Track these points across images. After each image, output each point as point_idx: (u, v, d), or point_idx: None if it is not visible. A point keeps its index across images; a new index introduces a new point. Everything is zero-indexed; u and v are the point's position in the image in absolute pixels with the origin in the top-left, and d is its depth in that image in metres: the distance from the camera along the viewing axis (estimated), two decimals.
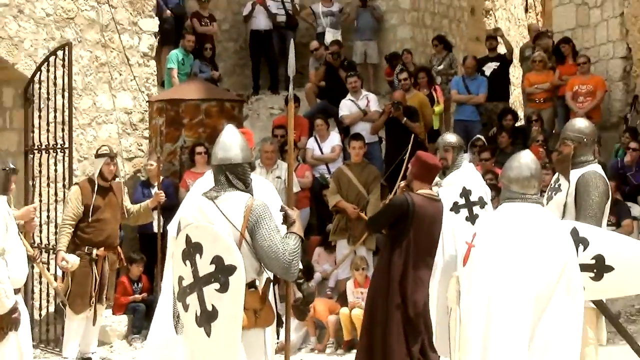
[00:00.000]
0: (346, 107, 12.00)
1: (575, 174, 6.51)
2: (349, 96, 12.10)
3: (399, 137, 10.83)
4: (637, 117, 11.95)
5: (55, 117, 9.44)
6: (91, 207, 8.43)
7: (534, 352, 4.79)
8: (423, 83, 12.42)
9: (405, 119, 11.20)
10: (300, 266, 6.32)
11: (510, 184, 5.07)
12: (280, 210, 4.96)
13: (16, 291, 5.83)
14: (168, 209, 8.79)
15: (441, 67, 13.70)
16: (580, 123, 6.80)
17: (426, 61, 14.34)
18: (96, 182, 8.50)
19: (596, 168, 6.59)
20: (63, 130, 9.40)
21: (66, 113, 9.38)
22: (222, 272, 4.61)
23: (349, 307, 9.21)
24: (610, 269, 5.96)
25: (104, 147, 8.80)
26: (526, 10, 19.88)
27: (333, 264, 10.37)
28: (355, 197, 10.07)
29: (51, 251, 9.04)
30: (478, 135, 11.66)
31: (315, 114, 12.31)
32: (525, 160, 5.13)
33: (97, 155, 8.71)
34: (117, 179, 8.68)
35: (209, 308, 4.64)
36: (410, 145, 8.25)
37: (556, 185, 6.69)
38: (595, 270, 5.96)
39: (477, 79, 12.43)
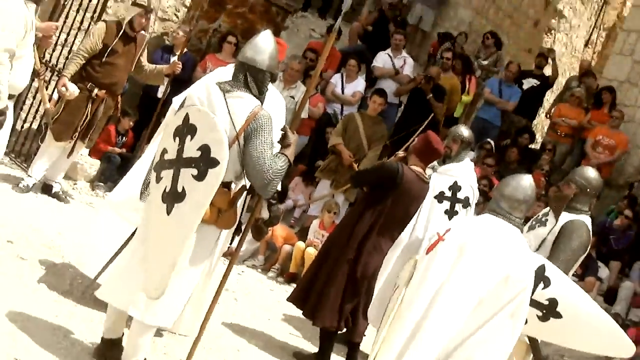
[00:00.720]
0: (381, 60, 11.98)
1: (565, 216, 6.59)
2: (388, 50, 12.06)
3: (419, 109, 10.84)
4: None
5: None
6: (109, 48, 8.41)
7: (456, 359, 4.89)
8: (459, 69, 12.37)
9: (430, 95, 11.18)
10: (279, 188, 6.40)
11: (501, 199, 5.13)
12: (281, 129, 5.00)
13: (10, 97, 5.87)
14: (179, 81, 8.81)
15: (486, 62, 13.64)
16: (591, 173, 6.86)
17: (473, 50, 14.25)
18: (123, 27, 8.47)
19: (587, 220, 6.68)
20: None
21: None
22: (205, 162, 4.68)
23: (305, 243, 9.31)
24: (558, 315, 6.08)
25: (150, 2, 8.76)
26: (586, 45, 19.72)
27: (307, 197, 10.44)
28: (356, 146, 10.11)
29: (56, 73, 9.04)
30: (489, 139, 11.67)
31: (351, 53, 12.27)
32: (524, 183, 5.18)
33: (134, 4, 8.67)
34: (143, 32, 8.62)
35: (179, 189, 4.72)
36: (426, 122, 8.26)
37: (543, 219, 6.76)
38: (544, 311, 6.07)
39: (512, 88, 12.41)
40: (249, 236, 9.31)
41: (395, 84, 11.82)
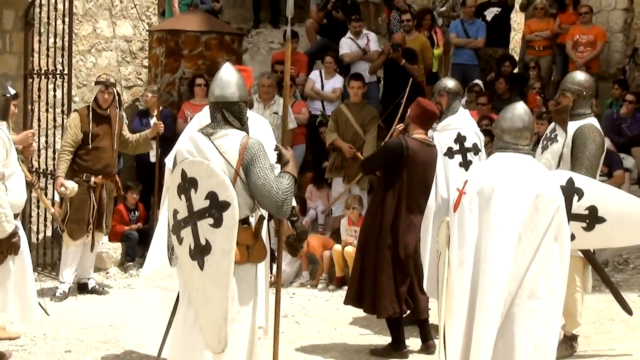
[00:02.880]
0: (346, 46, 12.00)
1: (572, 125, 6.63)
2: (349, 34, 12.08)
3: (397, 78, 10.86)
4: (635, 69, 11.97)
5: (55, 42, 9.43)
6: (90, 134, 8.48)
7: (521, 299, 4.91)
8: (426, 25, 12.37)
9: (403, 61, 11.20)
10: (295, 203, 6.44)
11: (502, 134, 5.15)
12: (275, 150, 5.04)
13: (15, 216, 5.95)
14: (166, 140, 8.87)
15: (443, 9, 13.61)
16: (580, 76, 6.90)
17: (428, 2, 14.24)
18: (92, 109, 8.55)
19: (593, 121, 6.71)
20: (63, 55, 9.40)
21: (66, 39, 9.36)
22: (216, 208, 4.71)
23: (342, 244, 9.35)
24: (602, 220, 6.13)
25: (103, 75, 8.85)
26: None
27: (325, 200, 10.49)
28: (352, 136, 10.15)
29: (49, 176, 9.13)
30: (476, 81, 11.68)
31: (316, 52, 12.31)
32: (518, 111, 5.19)
33: (96, 83, 8.77)
34: (115, 109, 8.66)
35: (203, 242, 4.74)
36: (407, 88, 8.29)
37: (552, 136, 6.80)
38: (587, 221, 6.13)
39: (475, 23, 12.38)
40: (287, 259, 9.51)
41: (367, 63, 11.84)
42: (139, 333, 6.27)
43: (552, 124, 6.98)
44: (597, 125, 6.74)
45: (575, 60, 11.59)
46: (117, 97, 8.66)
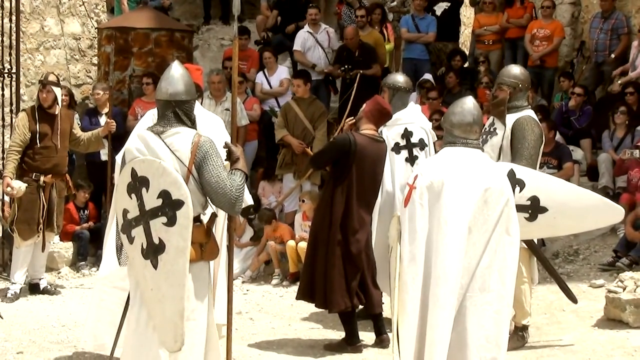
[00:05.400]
0: (302, 40, 11.86)
1: (510, 118, 6.76)
2: (307, 28, 11.98)
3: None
4: (583, 62, 12.15)
5: (2, 40, 9.32)
6: (37, 133, 8.41)
7: (473, 291, 4.97)
8: (376, 20, 12.40)
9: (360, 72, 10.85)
10: (251, 201, 6.44)
11: (452, 128, 5.20)
12: (224, 147, 5.04)
13: None
14: (117, 138, 8.79)
15: (394, 3, 13.67)
16: (515, 69, 7.05)
17: None
18: (37, 108, 8.48)
19: (530, 113, 6.87)
20: (10, 54, 9.29)
21: (13, 37, 9.25)
22: (170, 207, 4.70)
23: (296, 240, 9.36)
24: (544, 210, 6.24)
25: (46, 74, 8.77)
26: None
27: (277, 195, 10.49)
28: (302, 132, 10.15)
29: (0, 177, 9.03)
30: (425, 76, 11.73)
31: (266, 46, 12.28)
32: (467, 106, 5.25)
33: (41, 82, 8.67)
34: (57, 107, 8.55)
35: (156, 241, 4.73)
36: (356, 84, 8.30)
37: (491, 129, 6.91)
38: (530, 211, 6.23)
39: (426, 18, 12.45)
40: (241, 255, 9.49)
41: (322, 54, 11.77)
42: (99, 334, 6.22)
43: (491, 117, 7.08)
44: (535, 116, 6.88)
45: (531, 54, 11.71)
46: (58, 96, 8.51)
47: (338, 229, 6.73)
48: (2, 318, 7.34)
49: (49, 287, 8.82)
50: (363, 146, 6.72)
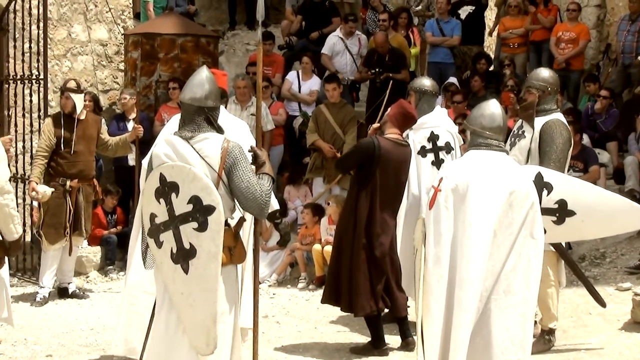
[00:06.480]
0: (331, 45, 11.93)
1: (539, 121, 6.74)
2: (338, 32, 12.04)
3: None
4: (609, 65, 12.09)
5: (30, 47, 9.41)
6: (62, 139, 8.50)
7: (498, 294, 4.96)
8: (403, 24, 12.42)
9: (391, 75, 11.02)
10: (277, 206, 6.45)
11: (483, 130, 5.17)
12: (249, 151, 5.06)
13: None
14: (144, 143, 8.87)
15: (419, 7, 13.68)
16: (544, 72, 7.02)
17: (403, 2, 14.31)
18: (62, 114, 8.58)
19: (559, 116, 6.84)
20: (38, 60, 9.38)
21: (41, 44, 9.35)
22: (201, 212, 4.71)
23: (321, 244, 9.39)
24: (572, 213, 6.22)
25: (67, 81, 8.87)
26: None
27: (303, 199, 10.54)
28: (332, 136, 10.22)
29: (27, 181, 9.12)
30: (450, 80, 11.74)
31: (295, 53, 12.33)
32: (494, 109, 5.24)
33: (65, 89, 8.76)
34: (82, 112, 8.64)
35: (187, 246, 4.75)
36: (388, 89, 8.31)
37: (520, 132, 6.90)
38: (557, 214, 6.21)
39: (450, 22, 12.46)
40: (267, 259, 9.53)
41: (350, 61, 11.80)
42: (130, 338, 6.27)
43: (519, 120, 7.07)
44: (564, 120, 6.86)
45: (557, 57, 11.67)
46: (77, 102, 8.58)
47: (362, 233, 6.75)
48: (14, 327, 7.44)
49: (77, 291, 8.91)
50: (387, 150, 6.74)
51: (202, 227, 4.72)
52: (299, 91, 11.50)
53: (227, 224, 4.88)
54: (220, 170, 4.79)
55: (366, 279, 6.73)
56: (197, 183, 4.72)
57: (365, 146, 6.86)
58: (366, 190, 6.77)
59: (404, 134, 7.20)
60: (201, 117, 4.92)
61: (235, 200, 4.87)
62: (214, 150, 4.81)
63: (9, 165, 8.46)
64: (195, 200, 4.73)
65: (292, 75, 11.64)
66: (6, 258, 6.15)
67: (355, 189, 6.88)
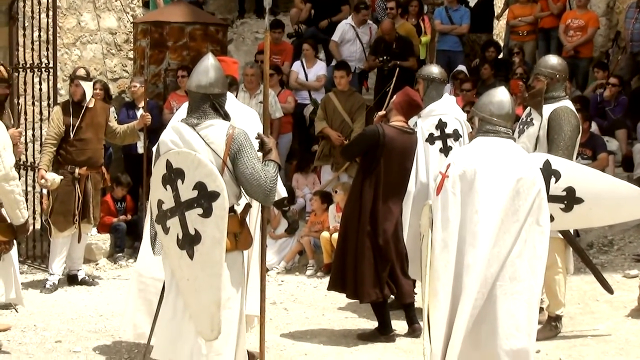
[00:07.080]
0: (341, 32, 11.93)
1: (547, 108, 6.73)
2: (349, 20, 12.04)
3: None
4: (618, 52, 12.06)
5: (39, 35, 9.44)
6: (71, 126, 8.54)
7: (503, 281, 4.97)
8: (413, 12, 12.41)
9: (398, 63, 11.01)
10: (285, 194, 6.46)
11: (491, 118, 5.18)
12: (257, 138, 5.08)
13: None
14: (152, 131, 8.91)
15: None
16: (553, 60, 7.01)
17: None
18: (71, 102, 8.63)
19: (568, 104, 6.82)
20: (47, 49, 9.39)
21: (50, 32, 9.38)
22: (205, 198, 4.75)
23: (329, 231, 9.41)
24: (580, 200, 6.23)
25: (77, 69, 8.91)
26: None
27: (311, 187, 10.56)
28: (340, 124, 10.22)
29: (36, 169, 9.17)
30: (459, 68, 11.73)
31: (303, 38, 12.32)
32: (503, 96, 5.24)
33: (74, 77, 8.79)
34: (91, 100, 8.68)
35: (192, 232, 4.79)
36: (395, 77, 8.32)
37: (528, 119, 6.90)
38: (565, 202, 6.22)
39: (459, 10, 12.45)
40: (276, 246, 9.57)
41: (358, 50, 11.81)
42: (138, 324, 6.31)
43: (528, 108, 7.07)
44: (572, 107, 6.85)
45: (565, 44, 11.65)
46: (86, 90, 8.61)
47: (367, 220, 6.76)
48: (17, 312, 7.51)
49: (86, 278, 8.95)
50: (392, 138, 6.74)
51: (207, 213, 4.75)
52: (306, 79, 11.50)
53: (232, 210, 4.91)
54: (225, 157, 4.81)
55: (371, 266, 6.75)
56: (202, 169, 4.75)
57: (370, 134, 6.87)
58: (371, 178, 6.77)
59: (412, 122, 7.20)
60: (207, 104, 4.94)
61: (241, 187, 4.90)
62: (219, 137, 4.84)
63: (19, 155, 8.60)
64: (200, 186, 4.76)
65: (296, 66, 11.62)
66: (14, 241, 6.24)
67: (360, 176, 6.90)
